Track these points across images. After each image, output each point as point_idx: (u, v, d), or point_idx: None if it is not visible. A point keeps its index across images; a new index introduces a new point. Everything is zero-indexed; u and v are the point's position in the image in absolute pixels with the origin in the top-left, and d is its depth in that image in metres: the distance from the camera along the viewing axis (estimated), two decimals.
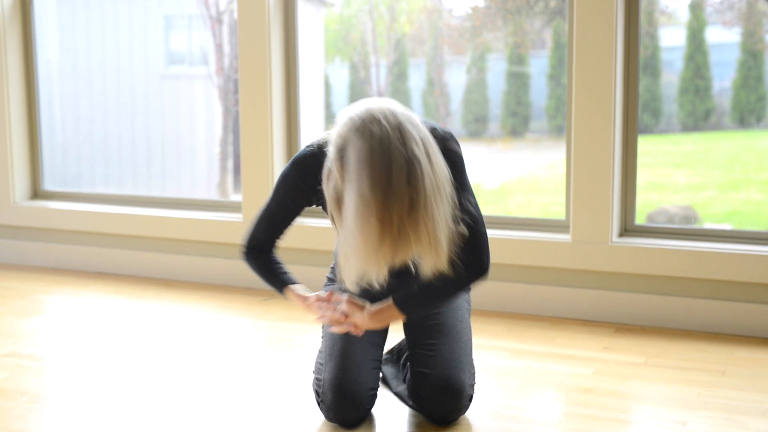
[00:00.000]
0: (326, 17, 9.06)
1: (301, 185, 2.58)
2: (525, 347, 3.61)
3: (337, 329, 2.61)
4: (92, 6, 8.17)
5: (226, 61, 8.11)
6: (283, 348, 3.62)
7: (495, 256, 4.09)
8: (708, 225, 7.26)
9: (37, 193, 5.29)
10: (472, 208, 2.47)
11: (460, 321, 2.75)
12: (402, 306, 2.53)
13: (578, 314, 4.02)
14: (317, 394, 2.73)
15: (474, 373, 2.77)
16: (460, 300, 2.81)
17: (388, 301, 2.55)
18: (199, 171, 8.24)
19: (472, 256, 2.45)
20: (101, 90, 8.11)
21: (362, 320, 2.57)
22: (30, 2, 5.16)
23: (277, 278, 2.74)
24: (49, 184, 5.43)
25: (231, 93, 7.99)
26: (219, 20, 8.07)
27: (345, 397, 2.60)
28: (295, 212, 2.67)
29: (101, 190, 7.50)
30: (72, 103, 7.98)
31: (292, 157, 2.65)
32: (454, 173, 2.35)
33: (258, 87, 4.51)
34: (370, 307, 2.58)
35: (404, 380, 2.88)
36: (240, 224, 4.62)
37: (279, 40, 4.54)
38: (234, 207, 4.85)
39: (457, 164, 2.45)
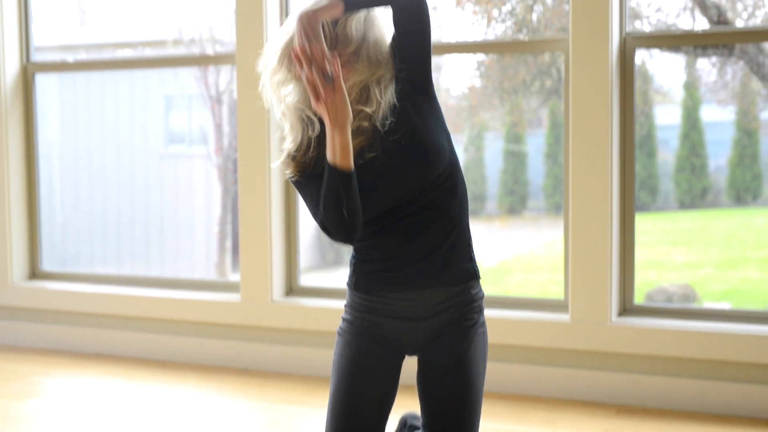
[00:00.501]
0: None
1: None
2: (525, 430, 3.57)
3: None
4: (93, 85, 8.27)
5: (226, 141, 8.18)
6: (279, 430, 3.58)
7: (494, 336, 4.08)
8: (707, 304, 7.25)
9: (35, 273, 5.28)
10: None
11: (480, 383, 2.59)
12: None
13: (579, 395, 3.98)
14: None
15: None
16: (481, 354, 2.49)
17: None
18: (198, 250, 8.24)
19: None
20: (101, 169, 8.16)
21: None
22: (32, 81, 5.22)
23: None
24: (47, 264, 5.43)
25: (230, 172, 8.04)
26: (219, 100, 8.16)
27: None
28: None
29: (99, 269, 7.49)
30: (72, 182, 8.03)
31: None
32: None
33: (257, 167, 4.54)
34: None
35: None
36: (238, 305, 4.60)
37: (278, 120, 4.57)
38: (232, 287, 4.84)
39: None
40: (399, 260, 2.32)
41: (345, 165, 2.15)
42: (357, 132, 2.26)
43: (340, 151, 2.15)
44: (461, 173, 2.37)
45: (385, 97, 2.25)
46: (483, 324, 2.44)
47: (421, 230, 2.31)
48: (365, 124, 2.25)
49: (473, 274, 2.39)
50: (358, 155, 2.24)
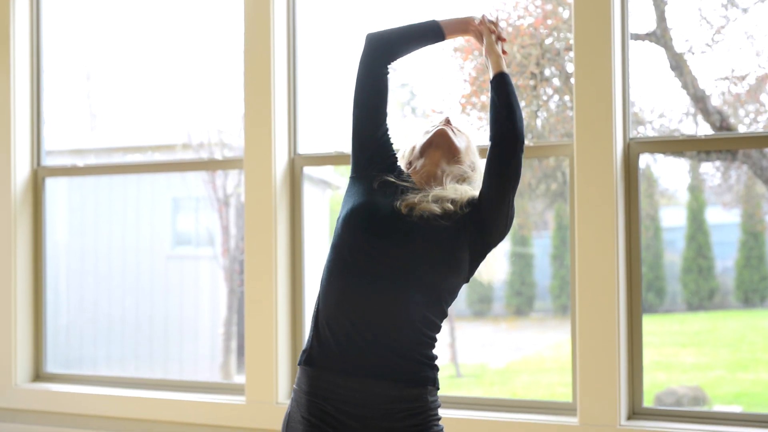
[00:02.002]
0: (331, 199, 9.23)
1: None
2: None
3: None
4: (102, 187, 8.35)
5: (232, 243, 8.21)
6: None
7: None
8: (717, 407, 7.16)
9: (39, 375, 5.24)
10: None
11: None
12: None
13: None
14: None
15: None
16: None
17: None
18: (203, 351, 8.20)
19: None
20: (107, 270, 8.18)
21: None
22: (42, 185, 5.27)
23: (420, 25, 2.58)
24: (51, 366, 5.39)
25: (236, 274, 8.05)
26: (226, 203, 8.22)
27: None
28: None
29: (103, 370, 7.44)
30: (78, 283, 8.03)
31: None
32: None
33: (263, 268, 4.54)
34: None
35: None
36: (243, 407, 4.55)
37: (285, 222, 4.60)
38: (237, 389, 4.80)
39: None
40: (360, 328, 2.28)
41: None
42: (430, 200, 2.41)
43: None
44: (449, 301, 2.44)
45: (463, 197, 2.44)
46: (438, 425, 2.38)
47: (398, 309, 2.30)
48: (445, 203, 2.41)
49: (433, 381, 2.35)
50: (409, 205, 2.38)
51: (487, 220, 2.39)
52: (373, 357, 2.28)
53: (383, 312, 2.29)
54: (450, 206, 2.38)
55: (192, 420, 4.68)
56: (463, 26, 2.57)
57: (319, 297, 2.39)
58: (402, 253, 2.31)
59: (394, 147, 2.57)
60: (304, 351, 2.37)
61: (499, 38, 2.55)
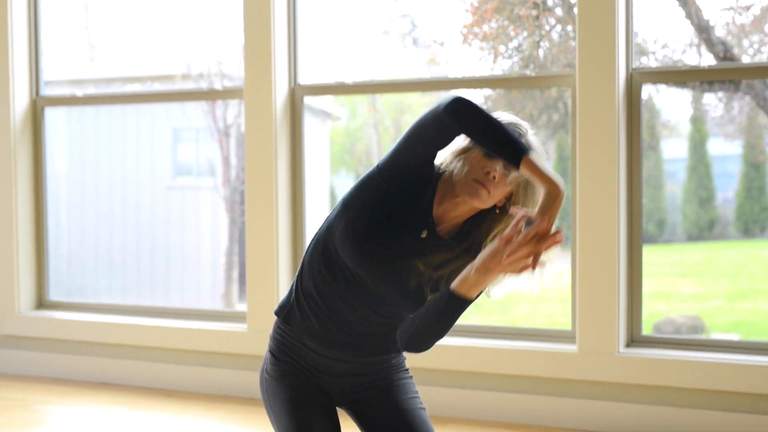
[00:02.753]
0: (332, 130, 9.20)
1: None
2: None
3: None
4: (102, 119, 8.32)
5: (233, 173, 8.21)
6: None
7: (501, 366, 4.06)
8: (715, 335, 7.21)
9: (42, 303, 5.28)
10: None
11: (420, 405, 2.57)
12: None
13: (586, 425, 3.96)
14: None
15: None
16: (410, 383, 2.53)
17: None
18: (204, 281, 8.24)
19: None
20: (108, 201, 8.19)
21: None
22: (41, 115, 5.25)
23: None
24: (54, 295, 5.43)
25: (237, 204, 8.06)
26: (226, 133, 8.20)
27: None
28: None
29: (105, 300, 7.49)
30: (79, 213, 8.05)
31: None
32: None
33: (264, 198, 4.55)
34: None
35: None
36: (244, 334, 4.60)
37: (285, 152, 4.60)
38: (239, 317, 4.84)
39: None
40: (335, 329, 2.34)
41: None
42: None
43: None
44: None
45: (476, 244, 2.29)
46: (407, 371, 2.51)
47: (372, 329, 2.35)
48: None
49: (397, 350, 2.43)
50: (417, 230, 2.27)
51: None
52: (347, 343, 2.37)
53: (363, 323, 2.34)
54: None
55: (194, 347, 4.72)
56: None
57: (304, 272, 2.37)
58: (394, 292, 2.30)
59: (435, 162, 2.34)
60: (283, 306, 2.41)
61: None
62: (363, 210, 2.26)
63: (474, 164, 2.22)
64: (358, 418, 2.47)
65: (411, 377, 2.51)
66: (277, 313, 2.42)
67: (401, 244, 2.25)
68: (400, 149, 2.25)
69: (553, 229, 2.07)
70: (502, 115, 2.28)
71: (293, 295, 2.39)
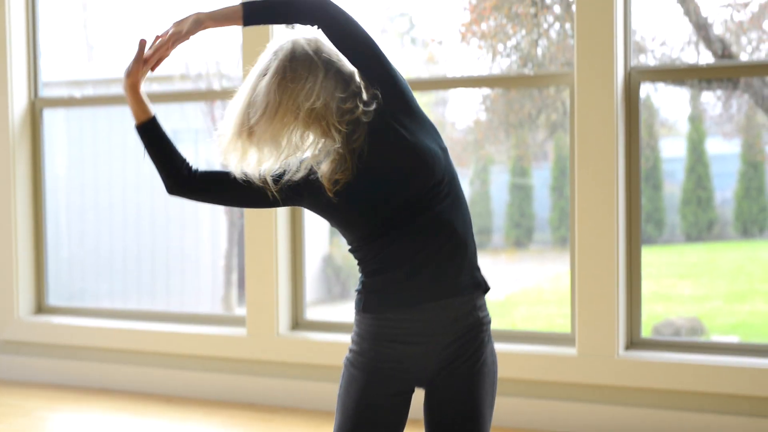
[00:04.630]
0: None
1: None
2: None
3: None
4: (101, 120, 8.31)
5: None
6: None
7: (500, 370, 4.06)
8: (715, 337, 7.21)
9: (41, 307, 5.28)
10: None
11: (488, 412, 2.54)
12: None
13: (586, 429, 3.96)
14: None
15: None
16: (490, 383, 2.43)
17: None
18: (204, 284, 8.24)
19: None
20: (107, 204, 8.18)
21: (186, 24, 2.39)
22: (40, 117, 5.24)
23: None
24: (53, 299, 5.43)
25: None
26: None
27: None
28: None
29: (105, 304, 7.49)
30: (78, 216, 8.05)
31: None
32: None
33: None
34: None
35: None
36: (244, 339, 4.59)
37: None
38: (238, 321, 4.83)
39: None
40: (406, 271, 2.27)
41: (139, 120, 2.47)
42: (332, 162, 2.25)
43: (134, 112, 2.47)
44: (461, 190, 2.36)
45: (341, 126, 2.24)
46: (493, 353, 2.38)
47: (429, 242, 2.27)
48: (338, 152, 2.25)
49: (480, 284, 2.34)
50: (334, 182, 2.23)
51: (384, 89, 2.28)
52: (424, 281, 2.28)
53: (420, 239, 2.27)
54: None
55: (194, 351, 4.72)
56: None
57: (352, 254, 2.35)
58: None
59: None
60: (357, 301, 2.36)
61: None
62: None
63: None
64: (430, 399, 2.37)
65: (494, 360, 2.38)
66: (356, 308, 2.37)
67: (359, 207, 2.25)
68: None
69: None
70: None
71: (358, 283, 2.34)
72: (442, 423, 2.37)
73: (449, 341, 2.32)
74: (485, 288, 2.36)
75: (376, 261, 2.30)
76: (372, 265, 2.31)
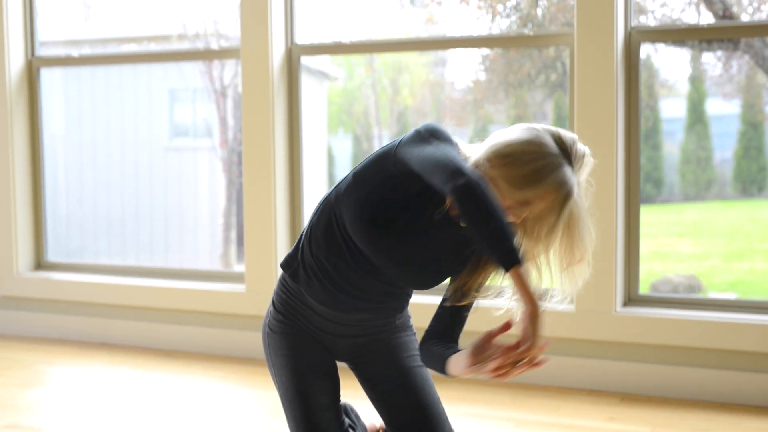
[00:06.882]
0: (329, 90, 9.17)
1: None
2: (529, 417, 3.57)
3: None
4: (98, 79, 8.28)
5: (230, 134, 8.19)
6: (281, 419, 3.58)
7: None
8: (712, 294, 7.24)
9: (40, 264, 5.29)
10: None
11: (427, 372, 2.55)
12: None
13: (583, 384, 3.99)
14: None
15: None
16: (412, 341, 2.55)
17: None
18: (203, 242, 8.26)
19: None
20: (105, 162, 8.18)
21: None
22: (37, 75, 5.22)
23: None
24: (52, 256, 5.44)
25: (235, 165, 8.05)
26: (223, 94, 8.17)
27: None
28: None
29: (104, 261, 7.50)
30: (76, 175, 8.04)
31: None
32: None
33: (262, 159, 4.54)
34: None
35: None
36: (242, 295, 4.61)
37: (283, 113, 4.58)
38: (237, 278, 4.85)
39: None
40: (348, 304, 2.34)
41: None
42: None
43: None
44: None
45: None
46: (411, 329, 2.55)
47: (385, 301, 2.38)
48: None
49: (402, 312, 2.49)
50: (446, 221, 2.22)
51: None
52: (352, 308, 2.37)
53: (368, 290, 2.33)
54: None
55: (193, 307, 4.74)
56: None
57: (312, 233, 2.31)
58: (403, 277, 2.30)
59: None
60: (290, 262, 2.38)
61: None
62: (373, 193, 2.18)
63: (500, 192, 2.14)
64: (359, 374, 2.50)
65: (414, 334, 2.51)
66: (283, 266, 2.39)
67: (417, 240, 2.21)
68: (412, 161, 2.12)
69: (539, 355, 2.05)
70: (567, 134, 2.26)
71: (300, 252, 2.34)
72: (382, 388, 2.48)
73: (362, 337, 2.47)
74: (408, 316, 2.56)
75: (340, 275, 2.30)
76: (333, 273, 2.30)
